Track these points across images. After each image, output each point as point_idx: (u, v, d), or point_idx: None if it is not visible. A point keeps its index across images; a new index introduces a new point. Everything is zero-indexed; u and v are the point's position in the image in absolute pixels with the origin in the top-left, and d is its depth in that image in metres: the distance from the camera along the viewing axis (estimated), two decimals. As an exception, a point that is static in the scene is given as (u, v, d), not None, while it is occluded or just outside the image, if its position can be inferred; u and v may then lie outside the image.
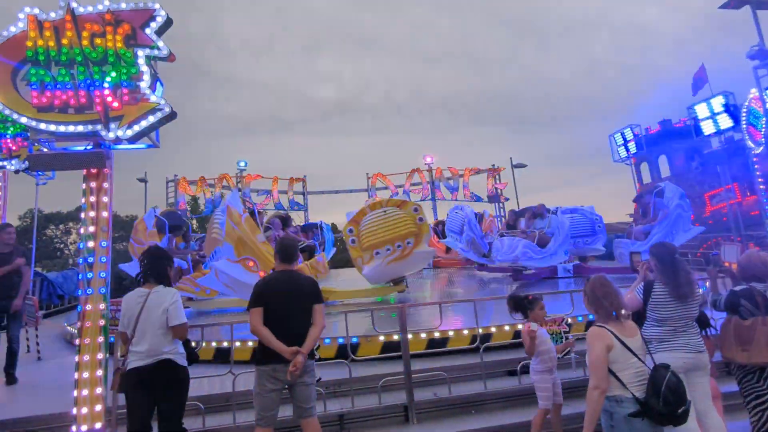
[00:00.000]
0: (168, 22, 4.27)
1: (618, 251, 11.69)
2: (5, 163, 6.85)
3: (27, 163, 5.47)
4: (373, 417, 4.83)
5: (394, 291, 9.26)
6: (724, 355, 3.82)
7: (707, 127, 12.23)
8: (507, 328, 5.99)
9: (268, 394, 3.55)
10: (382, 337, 5.85)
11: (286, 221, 12.84)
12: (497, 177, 22.62)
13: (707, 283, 4.85)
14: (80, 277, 4.15)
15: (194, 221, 31.15)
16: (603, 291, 3.11)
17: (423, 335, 5.99)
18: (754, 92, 10.04)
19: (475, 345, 5.44)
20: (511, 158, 23.24)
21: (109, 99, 4.12)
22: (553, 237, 11.71)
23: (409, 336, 5.25)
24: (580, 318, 6.06)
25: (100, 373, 3.98)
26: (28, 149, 6.60)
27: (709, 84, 13.02)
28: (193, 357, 3.81)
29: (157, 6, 4.23)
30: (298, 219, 18.19)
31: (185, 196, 20.36)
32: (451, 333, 6.08)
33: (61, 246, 42.07)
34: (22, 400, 5.36)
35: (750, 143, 9.78)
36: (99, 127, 4.12)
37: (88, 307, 4.04)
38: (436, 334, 5.98)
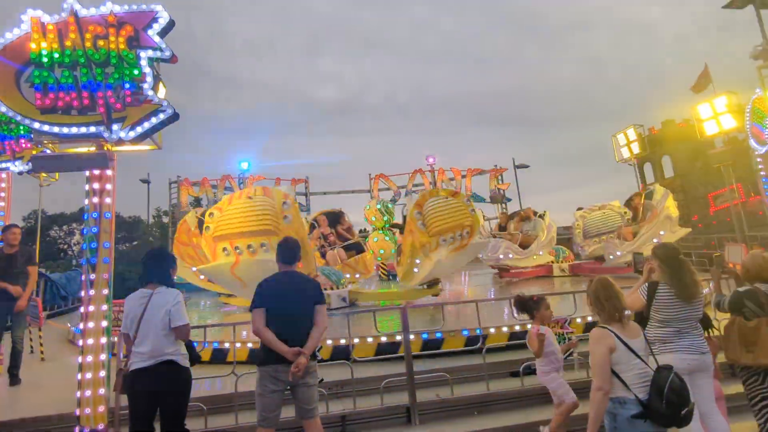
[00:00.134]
0: (170, 24, 4.29)
1: (607, 251, 12.26)
2: (9, 164, 6.88)
3: (31, 164, 5.47)
4: (375, 418, 4.83)
5: (428, 294, 8.83)
6: (728, 356, 3.80)
7: (711, 127, 12.16)
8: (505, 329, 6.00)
9: (270, 395, 3.55)
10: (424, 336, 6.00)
11: (336, 218, 11.69)
12: (500, 178, 22.59)
13: (711, 284, 4.83)
14: (83, 278, 4.16)
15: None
16: (605, 293, 3.10)
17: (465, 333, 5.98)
18: (757, 92, 9.99)
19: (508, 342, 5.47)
20: (513, 159, 23.27)
21: (112, 100, 4.13)
22: (537, 239, 12.90)
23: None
24: (578, 320, 6.06)
25: (103, 374, 4.00)
26: (31, 151, 6.63)
27: (713, 84, 12.97)
28: (195, 358, 3.82)
29: (159, 8, 4.25)
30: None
31: (188, 197, 20.39)
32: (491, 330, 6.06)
33: (65, 247, 42.20)
34: (25, 400, 5.37)
35: (754, 143, 9.72)
36: (102, 128, 4.14)
37: (91, 308, 4.05)
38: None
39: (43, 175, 8.96)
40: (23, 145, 6.83)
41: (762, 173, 9.80)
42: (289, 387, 3.62)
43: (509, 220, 14.54)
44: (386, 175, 22.38)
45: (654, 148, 21.85)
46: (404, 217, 9.80)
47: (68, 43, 4.11)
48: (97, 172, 4.25)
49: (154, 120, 4.20)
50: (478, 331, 5.73)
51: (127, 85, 4.16)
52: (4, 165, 6.88)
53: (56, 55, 4.10)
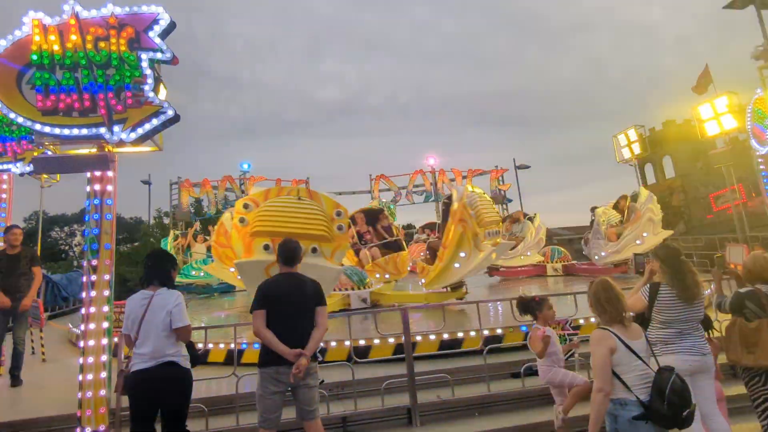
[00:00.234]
0: (171, 26, 4.29)
1: (593, 252, 12.88)
2: (10, 165, 6.90)
3: (32, 166, 5.49)
4: (376, 419, 4.83)
5: (452, 297, 8.49)
6: (729, 357, 3.80)
7: (712, 128, 12.16)
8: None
9: (271, 397, 3.55)
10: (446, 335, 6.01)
11: (374, 216, 11.09)
12: (501, 178, 22.59)
13: (712, 285, 4.82)
14: (84, 279, 4.17)
15: (198, 223, 31.30)
16: (606, 295, 3.10)
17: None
18: (758, 92, 9.98)
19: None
20: (514, 159, 23.27)
21: (113, 102, 4.14)
22: (524, 240, 13.81)
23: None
24: (581, 321, 6.06)
25: (104, 375, 4.00)
26: (32, 152, 6.64)
27: (714, 84, 12.96)
28: (196, 359, 3.82)
29: (160, 10, 4.26)
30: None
31: (189, 198, 20.41)
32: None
33: (66, 248, 42.27)
34: (27, 401, 5.38)
35: (755, 144, 9.72)
36: (103, 130, 4.15)
37: (93, 309, 4.05)
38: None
39: (44, 176, 8.97)
40: (24, 147, 6.85)
41: (763, 173, 9.79)
42: (290, 388, 3.62)
43: (501, 222, 15.00)
44: (387, 175, 22.40)
45: (655, 149, 21.85)
46: (444, 212, 8.98)
47: (69, 45, 4.12)
48: (98, 173, 4.25)
49: (154, 121, 4.21)
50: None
51: (129, 87, 4.17)
52: (5, 166, 6.90)
53: (57, 57, 4.10)
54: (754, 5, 11.99)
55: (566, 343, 4.60)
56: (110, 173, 4.28)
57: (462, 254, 7.94)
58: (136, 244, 31.51)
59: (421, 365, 5.34)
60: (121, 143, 4.25)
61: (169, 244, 14.98)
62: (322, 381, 3.98)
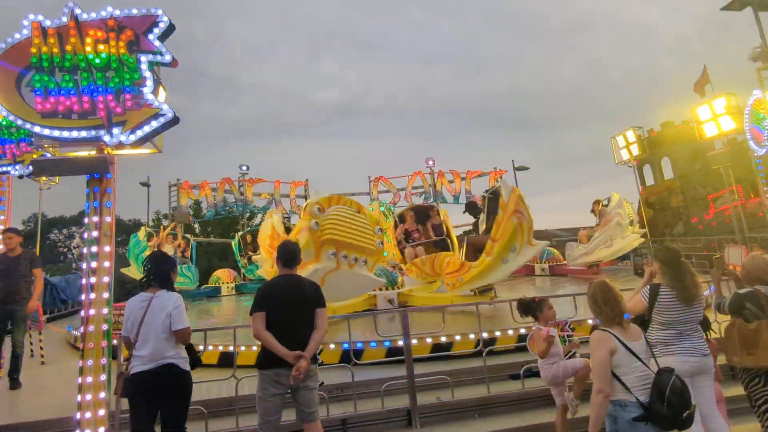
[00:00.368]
0: (170, 28, 4.29)
1: (567, 253, 13.78)
2: (9, 168, 6.89)
3: (31, 168, 5.48)
4: (375, 421, 4.83)
5: (478, 300, 8.05)
6: (729, 359, 3.80)
7: (710, 129, 12.17)
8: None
9: (271, 399, 3.55)
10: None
11: (425, 214, 10.56)
12: (499, 179, 22.59)
13: (711, 286, 4.83)
14: (84, 281, 4.16)
15: (197, 225, 31.27)
16: (603, 296, 3.11)
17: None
18: (756, 93, 10.01)
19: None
20: (513, 161, 23.27)
21: (113, 105, 4.14)
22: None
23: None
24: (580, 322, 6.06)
25: (103, 377, 3.99)
26: (32, 154, 6.64)
27: (712, 85, 12.98)
28: (196, 361, 3.82)
29: (159, 12, 4.26)
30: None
31: (188, 200, 20.38)
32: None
33: (65, 250, 42.20)
34: (26, 404, 5.37)
35: (753, 145, 9.74)
36: (102, 132, 4.14)
37: (92, 311, 4.05)
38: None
39: (43, 178, 8.96)
40: (24, 149, 6.84)
41: (761, 175, 9.82)
42: (289, 390, 3.62)
43: None
44: (386, 177, 22.39)
45: (653, 150, 21.82)
46: (490, 205, 8.76)
47: (69, 48, 4.11)
48: (97, 175, 4.25)
49: (154, 124, 4.20)
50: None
51: (128, 89, 4.17)
52: (4, 169, 6.89)
53: (57, 60, 4.10)
54: (752, 7, 12.04)
55: (566, 344, 4.61)
56: (109, 175, 4.28)
57: (513, 249, 7.67)
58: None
59: (420, 367, 5.34)
60: (120, 145, 4.24)
61: (142, 243, 14.47)
62: (322, 383, 3.98)
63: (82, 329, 4.07)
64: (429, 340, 6.05)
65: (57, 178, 8.99)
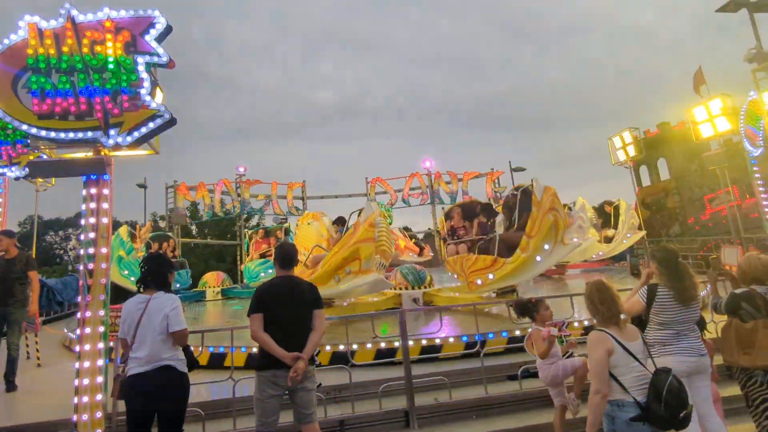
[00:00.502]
0: (167, 30, 4.29)
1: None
2: (5, 170, 6.85)
3: (27, 170, 5.46)
4: (373, 422, 4.82)
5: (501, 302, 8.09)
6: (726, 358, 3.81)
7: (706, 130, 12.22)
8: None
9: (269, 400, 3.55)
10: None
11: (472, 211, 9.99)
12: (496, 181, 22.65)
13: (708, 287, 4.84)
14: (80, 283, 4.15)
15: (194, 227, 31.19)
16: (600, 296, 3.12)
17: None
18: (752, 95, 10.06)
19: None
20: (510, 162, 23.32)
21: (110, 106, 4.13)
22: None
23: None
24: (576, 324, 6.08)
25: (100, 379, 3.98)
26: (28, 156, 6.61)
27: (707, 86, 13.04)
28: (193, 363, 3.81)
29: (156, 13, 4.25)
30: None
31: (185, 202, 20.34)
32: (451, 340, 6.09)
33: (61, 252, 42.06)
34: (22, 407, 5.34)
35: (748, 146, 9.79)
36: (99, 133, 4.13)
37: (88, 313, 4.03)
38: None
39: (39, 180, 8.93)
40: (20, 151, 6.81)
41: (757, 175, 9.86)
42: (287, 391, 3.61)
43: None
44: (383, 178, 22.41)
45: (650, 151, 21.91)
46: (522, 202, 8.63)
47: (65, 49, 4.10)
48: (94, 177, 4.24)
49: (151, 125, 4.19)
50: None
51: (125, 91, 4.16)
52: (0, 171, 6.86)
53: (53, 61, 4.09)
54: (747, 8, 12.10)
55: (563, 344, 4.62)
56: (106, 177, 4.27)
57: (546, 246, 7.65)
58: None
59: (418, 368, 5.34)
60: (117, 147, 4.23)
61: (126, 243, 13.81)
62: (320, 384, 3.98)
63: (78, 331, 4.06)
64: (439, 341, 6.06)
65: (53, 179, 8.98)
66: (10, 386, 5.86)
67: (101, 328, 4.03)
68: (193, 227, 31.11)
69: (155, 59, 4.24)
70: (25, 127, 4.15)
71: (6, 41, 4.18)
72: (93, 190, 4.23)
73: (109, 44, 4.14)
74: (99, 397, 3.94)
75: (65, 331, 9.32)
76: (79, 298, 4.10)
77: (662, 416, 2.78)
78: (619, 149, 18.64)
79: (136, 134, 4.18)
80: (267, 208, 21.23)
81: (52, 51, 4.10)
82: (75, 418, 3.88)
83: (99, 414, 3.91)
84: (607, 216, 16.31)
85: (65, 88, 4.10)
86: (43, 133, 4.12)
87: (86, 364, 3.98)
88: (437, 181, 22.29)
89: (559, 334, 4.63)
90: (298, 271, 8.07)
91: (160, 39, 4.27)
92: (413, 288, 9.37)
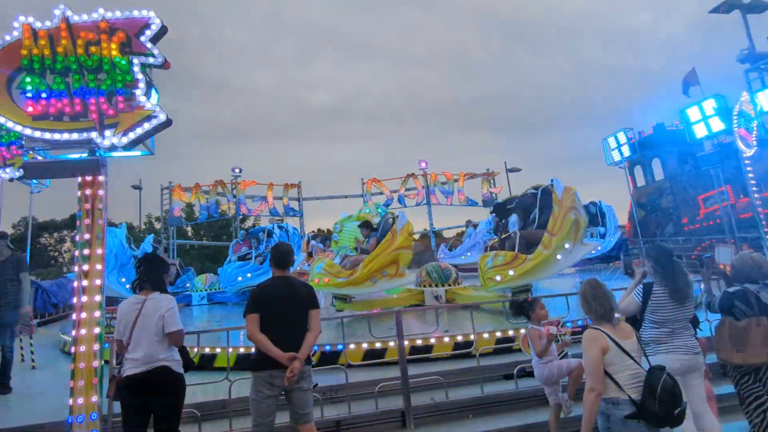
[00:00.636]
0: (163, 30, 4.28)
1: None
2: (-1, 171, 6.82)
3: (21, 171, 5.42)
4: (370, 422, 4.82)
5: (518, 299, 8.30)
6: (720, 356, 3.84)
7: (699, 130, 12.31)
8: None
9: (265, 401, 3.54)
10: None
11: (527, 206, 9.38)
12: (492, 181, 22.70)
13: (701, 285, 4.88)
14: (75, 285, 4.13)
15: (189, 228, 31.10)
16: (593, 294, 3.14)
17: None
18: (745, 95, 10.14)
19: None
20: (505, 162, 23.43)
21: (104, 107, 4.12)
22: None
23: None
24: (569, 324, 6.11)
25: (95, 381, 3.96)
26: (22, 157, 6.57)
27: (701, 87, 13.13)
28: (189, 364, 3.80)
29: (151, 14, 4.24)
30: (294, 225, 18.11)
31: (180, 203, 20.28)
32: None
33: (56, 254, 41.82)
34: (17, 409, 5.32)
35: (742, 146, 9.85)
36: (94, 134, 4.12)
37: (83, 315, 4.02)
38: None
39: (34, 181, 8.88)
40: (14, 152, 6.77)
41: (750, 175, 9.93)
42: (283, 392, 3.61)
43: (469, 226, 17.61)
44: (379, 179, 22.42)
45: (644, 151, 22.02)
46: (543, 200, 8.60)
47: (60, 50, 4.09)
48: (89, 178, 4.22)
49: (146, 126, 4.18)
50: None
51: (120, 91, 4.15)
52: (-6, 172, 6.82)
53: (48, 62, 4.08)
54: (740, 10, 12.20)
55: (559, 342, 4.64)
56: (101, 178, 4.25)
57: (567, 245, 7.66)
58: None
59: (414, 368, 5.35)
60: (112, 148, 4.22)
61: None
62: (316, 384, 3.98)
63: (73, 332, 4.04)
64: (419, 341, 6.07)
65: (48, 181, 8.93)
66: (5, 389, 5.83)
67: (96, 330, 4.01)
68: (189, 228, 31.01)
69: (150, 60, 4.22)
70: (19, 128, 4.14)
71: (0, 42, 4.16)
72: (88, 191, 4.21)
73: (104, 45, 4.12)
74: (94, 398, 3.92)
75: (60, 333, 9.29)
76: (75, 300, 4.09)
77: (657, 414, 2.80)
78: (613, 150, 18.75)
79: (131, 135, 4.16)
80: (263, 207, 21.18)
81: (46, 52, 4.08)
82: (70, 419, 3.87)
83: (95, 415, 3.90)
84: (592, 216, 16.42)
85: (60, 88, 4.08)
86: (38, 134, 4.10)
87: (81, 365, 3.96)
88: (432, 182, 22.32)
89: (559, 331, 4.65)
90: (334, 271, 8.63)
91: (155, 40, 4.26)
92: (436, 285, 9.47)
